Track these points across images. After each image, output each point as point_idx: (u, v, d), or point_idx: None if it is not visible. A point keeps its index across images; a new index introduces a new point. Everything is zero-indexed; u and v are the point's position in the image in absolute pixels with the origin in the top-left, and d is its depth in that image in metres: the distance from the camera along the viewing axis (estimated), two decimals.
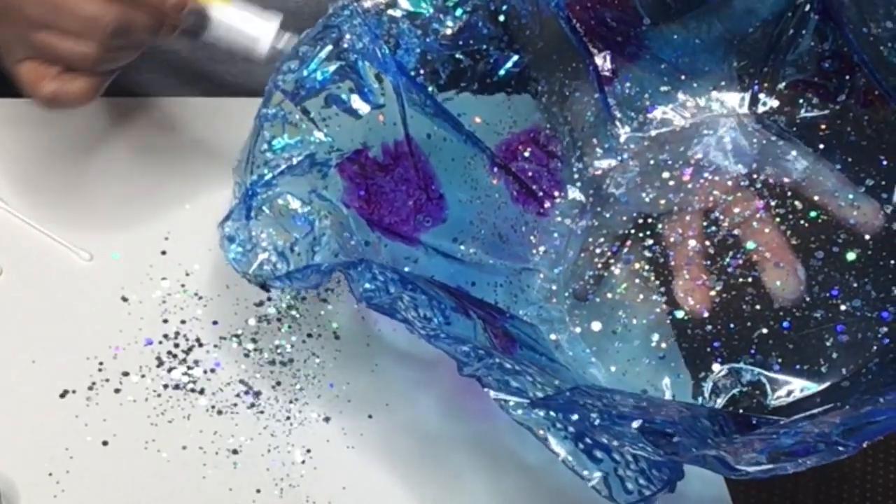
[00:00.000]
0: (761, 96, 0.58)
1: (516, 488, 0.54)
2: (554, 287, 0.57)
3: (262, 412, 0.55)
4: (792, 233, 0.55)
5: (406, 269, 0.53)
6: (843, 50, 0.56)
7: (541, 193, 0.58)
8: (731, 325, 0.54)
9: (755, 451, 0.40)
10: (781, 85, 0.58)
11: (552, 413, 0.43)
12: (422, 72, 0.55)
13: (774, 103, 0.58)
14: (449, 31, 0.55)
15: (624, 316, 0.55)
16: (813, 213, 0.55)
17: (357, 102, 0.54)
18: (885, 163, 0.55)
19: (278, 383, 0.56)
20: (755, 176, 0.57)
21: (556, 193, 0.58)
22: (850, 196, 0.55)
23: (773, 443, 0.40)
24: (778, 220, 0.55)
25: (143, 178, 0.63)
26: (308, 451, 0.54)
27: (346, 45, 0.53)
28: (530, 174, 0.58)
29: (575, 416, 0.42)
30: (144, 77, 0.77)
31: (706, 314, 0.54)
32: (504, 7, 0.55)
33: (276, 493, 0.53)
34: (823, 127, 0.57)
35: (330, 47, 0.53)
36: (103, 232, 0.60)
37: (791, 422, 0.43)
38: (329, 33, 0.53)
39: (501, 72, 0.56)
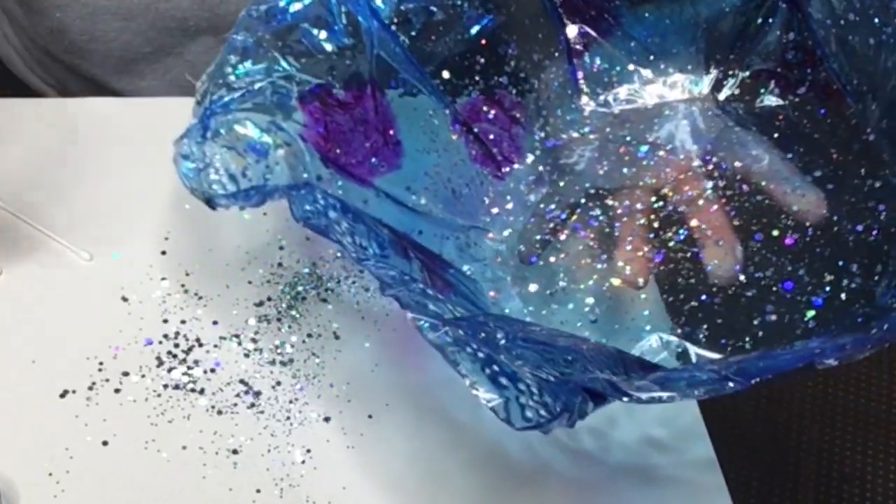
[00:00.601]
0: (725, 83, 0.60)
1: (519, 487, 0.54)
2: (502, 248, 0.57)
3: (262, 412, 0.55)
4: (736, 214, 0.56)
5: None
6: (808, 43, 0.57)
7: (500, 157, 0.58)
8: (665, 297, 0.55)
9: (648, 381, 0.41)
10: (745, 73, 0.59)
11: (461, 332, 0.44)
12: (395, 20, 0.55)
13: (736, 90, 0.60)
14: None
15: (563, 280, 0.56)
16: (758, 198, 0.56)
17: (325, 39, 0.54)
18: (835, 156, 0.57)
19: (278, 383, 0.56)
20: (708, 158, 0.58)
21: (515, 159, 0.59)
22: (797, 184, 0.56)
23: (667, 379, 0.41)
24: (724, 200, 0.56)
25: (143, 178, 0.63)
26: (308, 451, 0.54)
27: None
28: (491, 137, 0.58)
29: (482, 335, 0.43)
30: (147, 83, 0.77)
31: (642, 283, 0.55)
32: None
33: (276, 493, 0.53)
34: (781, 117, 0.58)
35: None
36: (103, 232, 0.60)
37: (688, 367, 0.44)
38: None
39: (473, 30, 0.57)
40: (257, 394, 0.56)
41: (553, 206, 0.58)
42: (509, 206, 0.58)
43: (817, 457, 1.22)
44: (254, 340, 0.57)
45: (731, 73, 0.59)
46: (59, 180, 0.62)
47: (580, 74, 0.59)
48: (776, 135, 0.58)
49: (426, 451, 0.55)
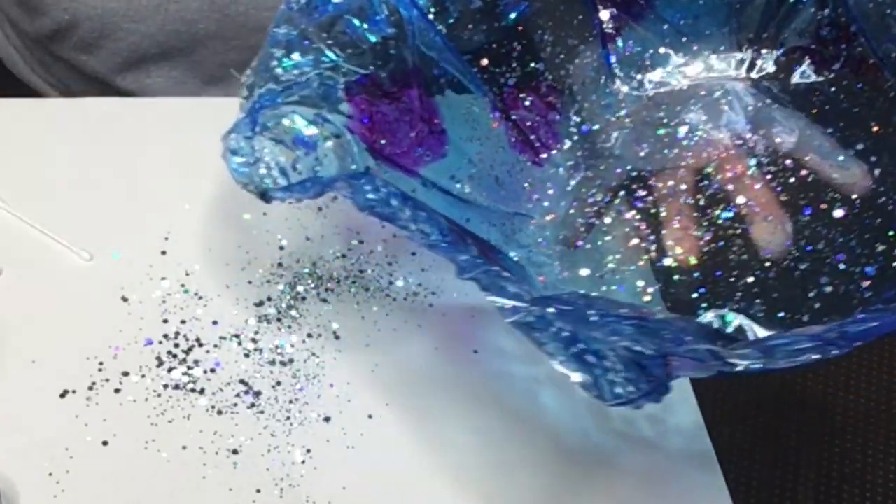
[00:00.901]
0: (759, 62, 0.59)
1: (517, 487, 0.54)
2: (546, 233, 0.57)
3: (262, 412, 0.55)
4: (782, 190, 0.56)
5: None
6: (841, 19, 0.57)
7: (538, 143, 0.58)
8: (718, 273, 0.55)
9: (751, 349, 0.41)
10: (779, 51, 0.59)
11: (549, 310, 0.44)
12: (433, 9, 0.55)
13: (771, 69, 0.59)
14: None
15: (612, 262, 0.56)
16: (803, 173, 0.56)
17: (368, 30, 0.54)
18: (875, 128, 0.57)
19: (278, 383, 0.56)
20: (748, 136, 0.58)
21: (553, 144, 0.59)
22: (841, 158, 0.56)
23: (770, 346, 0.41)
24: (769, 177, 0.57)
25: (143, 178, 0.63)
26: (308, 451, 0.54)
27: None
28: (529, 123, 0.58)
29: (571, 309, 0.43)
30: (153, 80, 0.77)
31: (694, 262, 0.55)
32: None
33: (276, 493, 0.53)
34: (817, 93, 0.58)
35: None
36: (103, 232, 0.60)
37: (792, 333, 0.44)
38: None
39: (511, 17, 0.56)
40: (257, 394, 0.56)
41: (595, 191, 0.58)
42: (550, 191, 0.58)
43: (817, 457, 1.22)
44: (254, 340, 0.57)
45: (764, 51, 0.59)
46: (59, 180, 0.62)
47: (613, 58, 0.59)
48: (814, 111, 0.58)
49: (426, 451, 0.55)
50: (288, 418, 0.55)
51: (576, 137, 0.59)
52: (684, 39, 0.59)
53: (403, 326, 0.59)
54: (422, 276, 0.61)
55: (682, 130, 0.59)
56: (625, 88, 0.60)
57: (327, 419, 0.55)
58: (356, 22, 0.54)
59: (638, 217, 0.57)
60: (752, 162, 0.57)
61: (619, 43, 0.59)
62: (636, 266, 0.56)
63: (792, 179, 0.56)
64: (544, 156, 0.59)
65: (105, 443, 0.54)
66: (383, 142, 0.54)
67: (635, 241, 0.56)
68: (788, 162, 0.57)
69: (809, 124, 0.57)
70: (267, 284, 0.60)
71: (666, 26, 0.59)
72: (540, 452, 0.55)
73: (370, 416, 0.55)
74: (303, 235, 0.62)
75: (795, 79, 0.59)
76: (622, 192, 0.58)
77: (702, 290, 0.54)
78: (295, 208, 0.63)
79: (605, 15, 0.58)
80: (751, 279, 0.54)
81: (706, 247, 0.56)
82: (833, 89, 0.58)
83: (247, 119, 0.50)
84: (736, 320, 0.53)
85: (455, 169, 0.56)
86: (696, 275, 0.55)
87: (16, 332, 0.57)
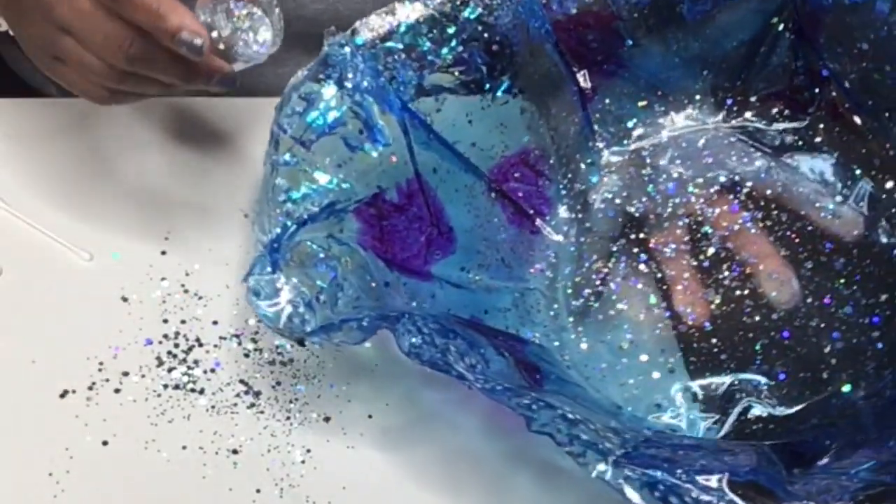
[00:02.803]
0: (735, 109, 0.60)
1: (517, 487, 0.54)
2: (555, 306, 0.57)
3: (262, 412, 0.55)
4: (781, 244, 0.57)
5: (426, 306, 0.54)
6: (815, 66, 0.58)
7: (531, 211, 0.59)
8: (735, 337, 0.55)
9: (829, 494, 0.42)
10: (753, 98, 0.60)
11: (636, 469, 0.44)
12: (416, 101, 0.55)
13: (748, 115, 0.60)
14: (444, 63, 0.54)
15: (629, 332, 0.56)
16: (798, 224, 0.57)
17: (367, 144, 0.54)
18: (857, 171, 0.58)
19: (278, 383, 0.56)
20: (738, 187, 0.59)
21: (546, 211, 0.59)
22: (831, 206, 0.57)
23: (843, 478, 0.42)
24: (765, 231, 0.57)
25: (143, 178, 0.63)
26: (308, 451, 0.54)
27: (349, 85, 0.53)
28: (521, 194, 0.58)
29: (659, 474, 0.43)
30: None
31: (709, 327, 0.56)
32: (498, 38, 0.55)
33: (276, 493, 0.53)
34: (796, 138, 0.59)
35: (334, 88, 0.53)
36: (103, 232, 0.60)
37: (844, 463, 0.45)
38: (331, 73, 0.53)
39: (498, 94, 0.56)
40: (257, 394, 0.56)
41: (595, 256, 0.58)
42: (552, 259, 0.58)
43: None
44: (254, 340, 0.57)
45: (739, 99, 0.60)
46: (59, 180, 0.62)
47: (593, 118, 0.59)
48: (796, 156, 0.59)
49: (426, 451, 0.54)
50: (288, 418, 0.55)
51: (567, 200, 0.60)
52: (659, 92, 0.60)
53: None
54: None
55: (671, 185, 0.59)
56: (606, 145, 0.60)
57: (327, 419, 0.55)
58: (354, 139, 0.53)
59: (643, 282, 0.57)
60: (746, 216, 0.58)
61: (597, 101, 0.59)
62: (652, 335, 0.56)
63: (789, 232, 0.57)
64: (539, 223, 0.59)
65: (105, 443, 0.54)
66: (395, 250, 0.54)
67: (646, 308, 0.56)
68: (783, 216, 0.58)
69: (794, 172, 0.58)
70: None
71: (642, 81, 0.59)
72: (539, 448, 0.55)
73: (370, 416, 0.55)
74: None
75: (773, 124, 0.60)
76: (624, 258, 0.58)
77: (722, 357, 0.55)
78: None
79: (580, 78, 0.58)
80: (767, 340, 0.55)
81: (717, 310, 0.56)
82: (811, 133, 0.59)
83: (266, 258, 0.50)
84: (757, 384, 0.54)
85: (465, 261, 0.57)
86: (714, 340, 0.55)
87: (16, 332, 0.57)
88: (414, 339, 0.47)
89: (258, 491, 0.53)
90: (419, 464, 0.54)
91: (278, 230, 0.50)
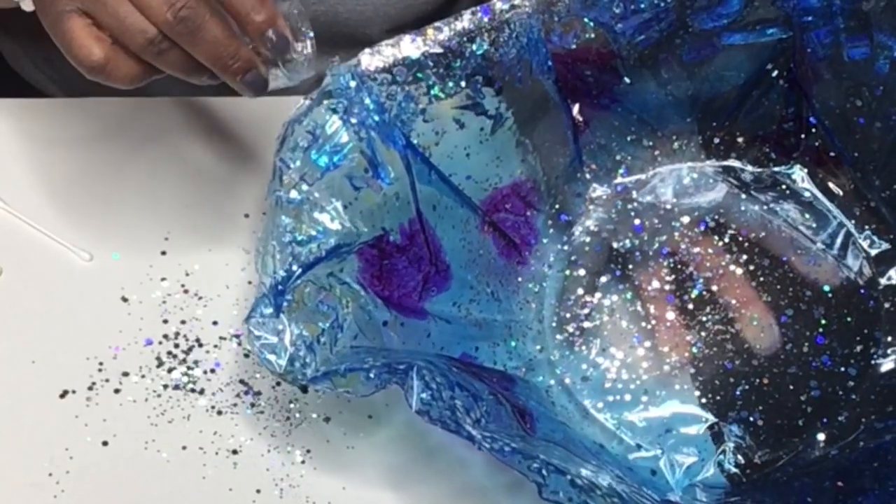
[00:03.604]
0: (722, 149, 0.61)
1: (519, 486, 0.54)
2: (541, 338, 0.58)
3: (262, 412, 0.55)
4: (762, 289, 0.58)
5: (421, 346, 0.53)
6: (802, 112, 0.59)
7: (518, 241, 0.59)
8: (716, 381, 0.56)
9: None
10: (740, 139, 0.60)
11: None
12: (414, 136, 0.54)
13: (734, 156, 0.61)
14: (447, 97, 0.54)
15: (612, 369, 0.57)
16: (780, 271, 0.58)
17: (372, 182, 0.53)
18: (838, 220, 0.59)
19: (278, 383, 0.56)
20: (722, 229, 0.59)
21: (533, 241, 0.59)
22: (811, 253, 0.58)
23: None
24: (748, 275, 0.58)
25: (143, 178, 0.63)
26: (308, 451, 0.54)
27: (354, 121, 0.52)
28: (509, 224, 0.58)
29: None
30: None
31: (691, 370, 0.56)
32: (501, 74, 0.54)
33: (276, 493, 0.53)
34: (780, 182, 0.60)
35: (339, 122, 0.52)
36: (103, 232, 0.60)
37: None
38: (336, 106, 0.52)
39: (497, 128, 0.56)
40: (257, 394, 0.56)
41: (580, 290, 0.59)
42: (537, 290, 0.59)
43: None
44: None
45: (727, 139, 0.60)
46: (59, 180, 0.62)
47: (584, 150, 0.60)
48: (780, 201, 0.59)
49: (426, 451, 0.55)
50: (288, 418, 0.55)
51: (552, 231, 0.60)
52: (650, 128, 0.60)
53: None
54: None
55: (656, 222, 0.60)
56: (595, 178, 0.60)
57: (327, 419, 0.55)
58: (359, 178, 0.52)
59: (628, 321, 0.58)
60: (729, 258, 0.58)
61: (588, 134, 0.59)
62: (639, 373, 0.56)
63: (771, 278, 0.58)
64: (526, 253, 0.59)
65: (105, 443, 0.54)
66: (392, 288, 0.54)
67: (631, 347, 0.57)
68: (765, 260, 0.58)
69: (776, 215, 0.59)
70: None
71: (634, 117, 0.60)
72: None
73: (370, 416, 0.55)
74: None
75: (759, 167, 0.60)
76: (609, 294, 0.58)
77: (703, 401, 0.55)
78: None
79: (574, 110, 0.58)
80: (747, 386, 0.55)
81: (699, 353, 0.57)
82: (795, 178, 0.60)
83: (267, 300, 0.49)
84: (737, 429, 0.55)
85: (457, 297, 0.57)
86: (695, 383, 0.56)
87: (16, 332, 0.57)
88: (423, 395, 0.47)
89: (258, 491, 0.53)
90: (419, 464, 0.54)
91: (283, 273, 0.50)
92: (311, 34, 0.50)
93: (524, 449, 0.46)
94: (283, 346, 0.48)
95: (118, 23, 0.48)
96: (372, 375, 0.48)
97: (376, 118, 0.52)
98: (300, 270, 0.50)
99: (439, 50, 0.52)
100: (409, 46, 0.52)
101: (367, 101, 0.52)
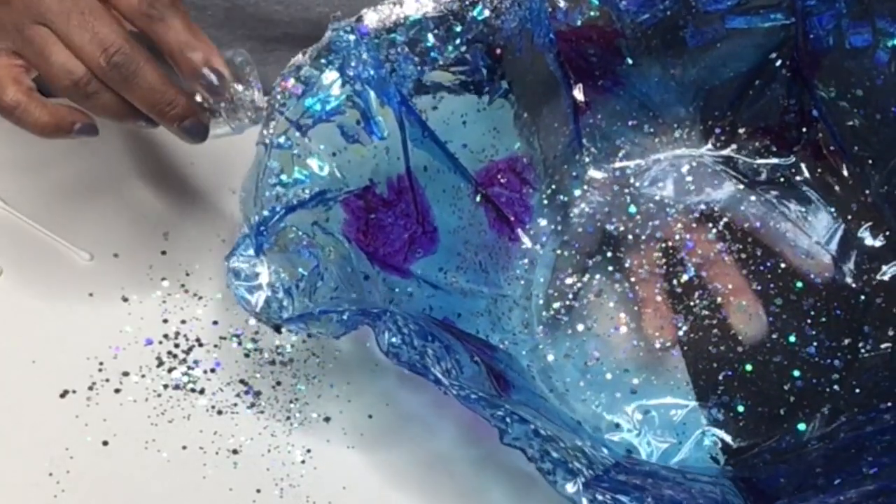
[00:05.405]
0: (722, 139, 0.61)
1: (517, 487, 0.54)
2: (527, 315, 0.58)
3: (262, 412, 0.55)
4: (753, 277, 0.58)
5: (403, 304, 0.54)
6: (805, 107, 0.59)
7: (512, 218, 0.59)
8: (699, 365, 0.56)
9: None
10: (741, 130, 0.61)
11: (606, 493, 0.44)
12: (413, 97, 0.54)
13: (734, 146, 0.61)
14: (446, 61, 0.54)
15: (596, 349, 0.57)
16: (771, 261, 0.58)
17: (364, 135, 0.53)
18: (834, 214, 0.59)
19: (278, 383, 0.56)
20: (716, 217, 0.59)
21: (526, 219, 0.59)
22: (804, 246, 0.58)
23: None
24: (739, 264, 0.58)
25: (143, 178, 0.63)
26: (308, 451, 0.54)
27: (351, 73, 0.52)
28: (503, 200, 0.58)
29: (627, 500, 0.44)
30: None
31: (675, 353, 0.56)
32: (502, 41, 0.55)
33: (276, 493, 0.53)
34: (779, 174, 0.60)
35: (335, 75, 0.52)
36: (103, 232, 0.61)
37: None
38: (333, 59, 0.52)
39: (494, 98, 0.56)
40: (257, 394, 0.56)
41: (570, 270, 0.59)
42: (527, 267, 0.59)
43: None
44: (254, 340, 0.57)
45: (727, 129, 0.60)
46: (59, 180, 0.62)
47: (583, 132, 0.60)
48: (776, 192, 0.60)
49: (426, 452, 0.55)
50: (288, 418, 0.55)
51: (547, 211, 0.60)
52: (651, 114, 0.60)
53: None
54: None
55: (651, 208, 0.60)
56: (593, 161, 0.61)
57: (327, 419, 0.55)
58: (351, 129, 0.53)
59: (615, 301, 0.58)
60: (722, 247, 0.58)
61: (589, 116, 0.59)
62: (618, 354, 0.56)
63: (762, 268, 0.58)
64: (519, 231, 0.59)
65: (105, 443, 0.54)
66: (377, 245, 0.54)
67: (616, 327, 0.57)
68: (759, 250, 0.58)
69: (773, 206, 0.59)
70: None
71: (635, 101, 0.60)
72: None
73: (370, 416, 0.55)
74: None
75: (758, 159, 0.60)
76: (598, 275, 0.58)
77: (685, 384, 0.55)
78: None
79: (576, 91, 0.58)
80: (730, 372, 0.56)
81: (685, 337, 0.57)
82: (793, 170, 0.60)
83: (249, 240, 0.49)
84: (716, 414, 0.55)
85: (443, 262, 0.57)
86: (678, 366, 0.56)
87: (16, 332, 0.57)
88: (393, 339, 0.47)
89: (258, 491, 0.53)
90: (420, 464, 0.54)
91: (266, 213, 0.50)
92: (259, 85, 0.51)
93: (493, 400, 0.46)
94: (260, 286, 0.49)
95: (44, 62, 0.47)
96: (345, 317, 0.48)
97: (372, 72, 0.52)
98: (283, 211, 0.50)
99: (442, 11, 0.53)
100: (412, 6, 0.53)
101: (366, 55, 0.52)
